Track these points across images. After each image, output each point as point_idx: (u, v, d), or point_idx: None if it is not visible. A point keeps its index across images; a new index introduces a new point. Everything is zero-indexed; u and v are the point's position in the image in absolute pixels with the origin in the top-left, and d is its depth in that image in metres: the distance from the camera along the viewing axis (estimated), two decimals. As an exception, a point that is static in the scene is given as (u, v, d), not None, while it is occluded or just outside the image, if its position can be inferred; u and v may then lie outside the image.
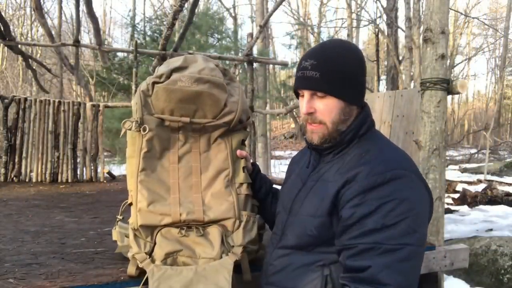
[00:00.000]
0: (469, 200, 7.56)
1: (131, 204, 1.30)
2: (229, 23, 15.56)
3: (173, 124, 1.32)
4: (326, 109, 1.09)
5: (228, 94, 1.37)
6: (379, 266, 0.89)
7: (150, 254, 1.23)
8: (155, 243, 1.24)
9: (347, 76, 1.08)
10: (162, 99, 1.29)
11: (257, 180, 1.48)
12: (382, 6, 11.31)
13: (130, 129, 1.27)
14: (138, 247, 1.25)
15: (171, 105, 1.29)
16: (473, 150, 19.14)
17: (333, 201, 1.03)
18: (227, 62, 8.53)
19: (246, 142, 1.48)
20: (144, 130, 1.26)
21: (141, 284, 1.21)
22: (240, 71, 11.35)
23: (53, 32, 7.40)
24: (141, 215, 1.24)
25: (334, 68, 1.07)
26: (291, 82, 16.35)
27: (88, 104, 4.87)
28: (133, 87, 5.14)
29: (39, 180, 4.64)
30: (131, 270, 1.31)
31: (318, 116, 1.10)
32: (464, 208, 7.20)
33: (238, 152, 1.39)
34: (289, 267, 1.11)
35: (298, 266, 1.09)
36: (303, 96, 1.13)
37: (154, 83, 1.31)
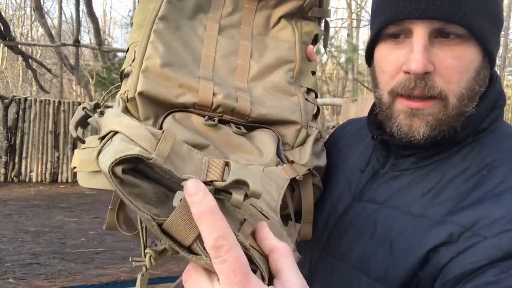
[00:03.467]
0: (469, 200, 7.58)
1: (125, 76, 0.75)
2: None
3: None
4: (457, 65, 0.55)
5: None
6: None
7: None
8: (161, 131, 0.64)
9: (497, 3, 0.58)
10: None
11: None
12: (382, 6, 11.32)
13: None
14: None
15: None
16: (473, 150, 19.16)
17: (420, 263, 0.53)
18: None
19: None
20: None
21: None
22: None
23: (53, 32, 7.41)
24: (146, 78, 0.69)
25: None
26: (291, 82, 16.26)
27: (88, 104, 4.88)
28: (133, 87, 5.13)
29: (39, 180, 4.64)
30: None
31: (438, 81, 0.55)
32: (464, 208, 7.23)
33: (310, 49, 0.86)
34: None
35: None
36: (409, 35, 0.57)
37: None
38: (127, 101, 0.70)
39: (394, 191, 0.61)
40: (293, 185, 0.68)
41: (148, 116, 0.70)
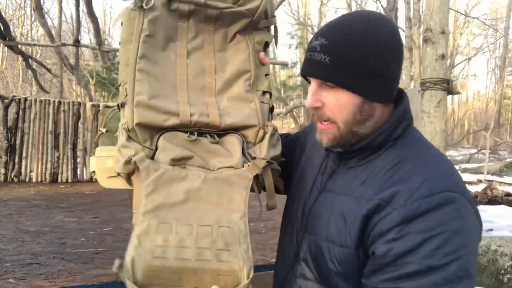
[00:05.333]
0: (469, 200, 7.56)
1: (121, 105, 0.98)
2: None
3: (183, 7, 1.03)
4: (336, 104, 0.83)
5: None
6: None
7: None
8: (156, 149, 0.93)
9: (368, 63, 0.81)
10: None
11: None
12: (382, 6, 11.32)
13: (129, 6, 1.00)
14: (135, 149, 0.92)
15: None
16: (473, 150, 19.13)
17: (362, 228, 0.79)
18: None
19: None
20: (148, 3, 0.97)
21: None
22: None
23: (53, 32, 7.40)
24: (139, 111, 0.92)
25: (351, 52, 0.81)
26: (291, 82, 16.35)
27: (88, 104, 4.87)
28: (133, 87, 5.12)
29: (39, 180, 4.64)
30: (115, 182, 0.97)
31: (326, 112, 0.84)
32: (464, 208, 7.20)
33: (261, 55, 1.08)
34: None
35: None
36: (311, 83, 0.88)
37: None
38: (129, 131, 0.94)
39: (344, 183, 0.88)
40: (258, 174, 0.93)
41: (145, 139, 0.94)
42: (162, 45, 1.02)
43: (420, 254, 0.71)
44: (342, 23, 0.84)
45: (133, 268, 0.82)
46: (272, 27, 1.15)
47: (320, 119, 0.86)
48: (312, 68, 0.84)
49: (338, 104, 0.83)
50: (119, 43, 1.02)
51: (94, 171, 1.05)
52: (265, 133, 1.00)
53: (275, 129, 1.02)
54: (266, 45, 1.12)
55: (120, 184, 1.00)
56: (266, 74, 1.10)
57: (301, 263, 0.92)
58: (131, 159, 0.90)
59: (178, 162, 0.92)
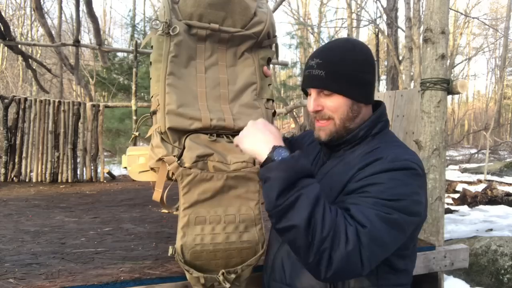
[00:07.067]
0: (469, 200, 7.55)
1: (153, 113, 1.24)
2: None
3: (201, 32, 1.26)
4: (333, 106, 1.10)
5: (257, 4, 1.33)
6: (361, 210, 0.91)
7: (179, 158, 1.16)
8: (183, 148, 1.17)
9: (352, 74, 1.10)
10: (190, 3, 1.24)
11: None
12: (382, 6, 11.31)
13: (157, 30, 1.22)
14: (166, 149, 1.17)
15: (199, 9, 1.24)
16: (473, 150, 19.13)
17: (343, 187, 1.04)
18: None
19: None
20: (174, 31, 1.21)
21: None
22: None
23: (53, 32, 7.40)
24: (169, 118, 1.17)
25: (339, 67, 1.09)
26: (291, 82, 16.35)
27: (88, 104, 4.87)
28: (133, 87, 5.12)
29: (39, 180, 4.64)
30: (156, 176, 1.19)
31: (326, 113, 1.12)
32: (464, 208, 7.20)
33: (265, 69, 1.35)
34: (297, 265, 1.10)
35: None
36: (311, 94, 1.15)
37: None
38: (162, 134, 1.18)
39: (332, 166, 1.15)
40: None
41: (175, 139, 1.18)
42: (185, 63, 1.25)
43: (380, 187, 0.96)
44: (329, 47, 1.14)
45: (182, 252, 1.15)
46: (274, 44, 1.36)
47: (320, 118, 1.13)
48: (312, 81, 1.11)
49: (335, 106, 1.11)
50: (150, 62, 1.26)
51: (125, 167, 1.30)
52: None
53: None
54: (269, 60, 1.36)
55: (149, 177, 1.26)
56: (269, 84, 1.34)
57: None
58: (163, 158, 1.15)
59: (202, 158, 1.16)
